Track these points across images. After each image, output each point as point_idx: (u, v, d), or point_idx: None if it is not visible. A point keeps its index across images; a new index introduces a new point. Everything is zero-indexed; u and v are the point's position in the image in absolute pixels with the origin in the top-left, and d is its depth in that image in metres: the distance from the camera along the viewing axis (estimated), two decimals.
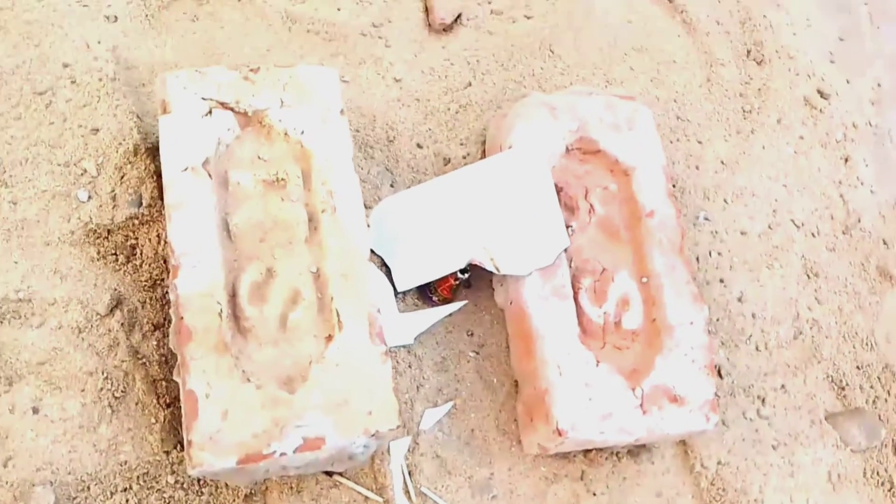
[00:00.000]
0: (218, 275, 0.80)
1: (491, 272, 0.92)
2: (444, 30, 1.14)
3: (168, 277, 0.87)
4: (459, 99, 1.10)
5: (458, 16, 1.15)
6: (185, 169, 0.83)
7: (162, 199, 0.94)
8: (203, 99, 0.87)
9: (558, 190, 0.96)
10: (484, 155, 1.07)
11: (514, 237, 0.92)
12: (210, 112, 0.87)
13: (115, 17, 1.04)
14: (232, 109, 0.88)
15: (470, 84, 1.12)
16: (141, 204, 0.94)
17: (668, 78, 1.21)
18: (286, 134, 0.89)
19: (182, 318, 0.78)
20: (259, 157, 0.89)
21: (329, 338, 0.82)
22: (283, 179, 0.87)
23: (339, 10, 1.12)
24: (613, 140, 0.99)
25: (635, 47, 1.22)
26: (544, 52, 1.17)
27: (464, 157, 1.07)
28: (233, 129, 0.88)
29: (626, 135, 0.99)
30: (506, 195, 0.94)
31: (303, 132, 0.89)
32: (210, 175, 0.84)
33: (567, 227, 0.94)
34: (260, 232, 0.85)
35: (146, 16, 1.06)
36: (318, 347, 0.82)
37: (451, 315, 0.97)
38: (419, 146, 1.06)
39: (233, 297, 0.82)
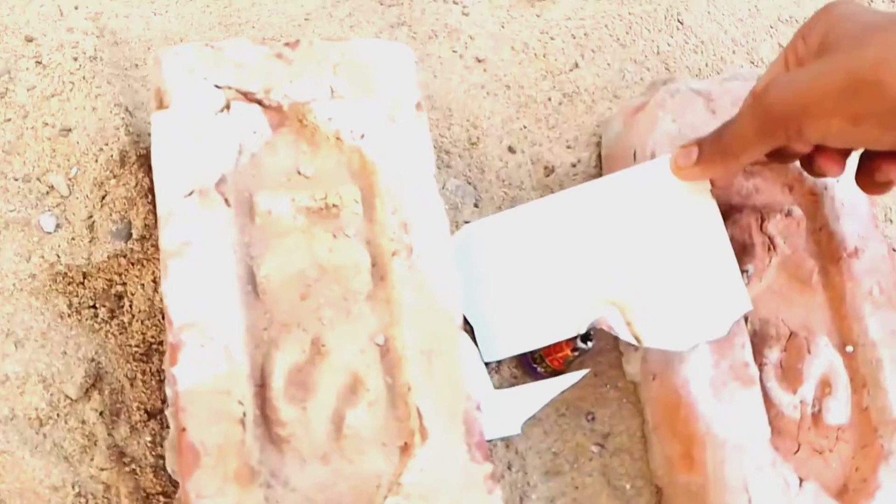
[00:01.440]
0: (240, 357, 0.52)
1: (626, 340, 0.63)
2: None
3: (165, 357, 0.59)
4: (563, 85, 0.81)
5: None
6: (190, 193, 0.55)
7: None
8: (217, 87, 0.59)
9: (723, 216, 0.68)
10: (601, 162, 0.78)
11: (666, 292, 0.62)
12: (227, 106, 0.59)
13: None
14: (259, 102, 0.60)
15: (577, 65, 0.83)
16: (130, 235, 0.66)
17: None
18: (338, 138, 0.61)
19: (184, 429, 0.50)
20: (299, 173, 0.61)
21: (406, 449, 0.55)
22: (334, 206, 0.59)
23: None
24: None
25: (782, 18, 0.92)
26: (671, 23, 0.87)
27: (573, 166, 0.78)
28: (261, 132, 0.60)
29: None
30: (651, 227, 0.64)
31: (363, 136, 0.61)
32: (227, 201, 0.56)
33: (743, 271, 0.66)
34: (301, 285, 0.57)
35: None
36: (391, 465, 0.54)
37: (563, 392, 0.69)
38: (511, 150, 0.78)
39: (261, 387, 0.54)
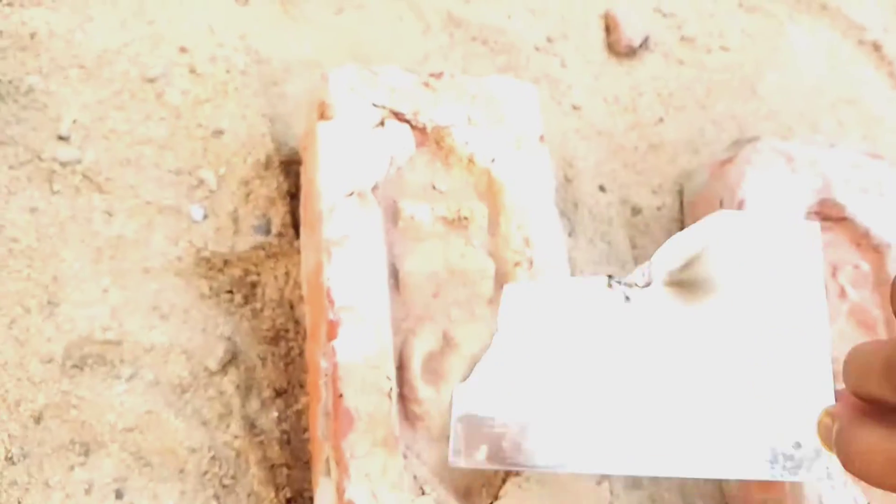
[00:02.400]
0: (386, 338, 0.59)
1: None
2: (627, 53, 0.94)
3: (303, 336, 0.66)
4: (650, 136, 0.90)
5: (646, 39, 0.95)
6: (351, 193, 0.63)
7: (294, 227, 0.74)
8: (374, 105, 0.67)
9: None
10: (682, 208, 0.86)
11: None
12: (382, 122, 0.67)
13: (246, 0, 0.85)
14: (409, 122, 0.68)
15: (661, 120, 0.91)
16: (269, 231, 0.73)
17: (882, 137, 1.01)
18: (471, 160, 0.69)
19: (341, 395, 0.56)
20: (434, 188, 0.68)
21: None
22: (465, 218, 0.66)
23: (509, 17, 0.92)
24: (863, 206, 0.78)
25: (843, 98, 1.02)
26: (745, 91, 0.96)
27: (658, 209, 0.86)
28: (407, 148, 0.67)
29: (876, 201, 0.78)
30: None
31: (493, 160, 0.68)
32: (379, 204, 0.64)
33: None
34: (434, 285, 0.64)
35: (282, 2, 0.87)
36: None
37: None
38: (602, 189, 0.86)
39: (399, 369, 0.61)
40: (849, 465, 0.38)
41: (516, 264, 0.65)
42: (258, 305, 0.71)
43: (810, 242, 0.50)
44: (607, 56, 0.95)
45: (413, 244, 0.65)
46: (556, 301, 0.53)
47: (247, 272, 0.72)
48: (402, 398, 0.60)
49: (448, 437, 0.56)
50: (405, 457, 0.58)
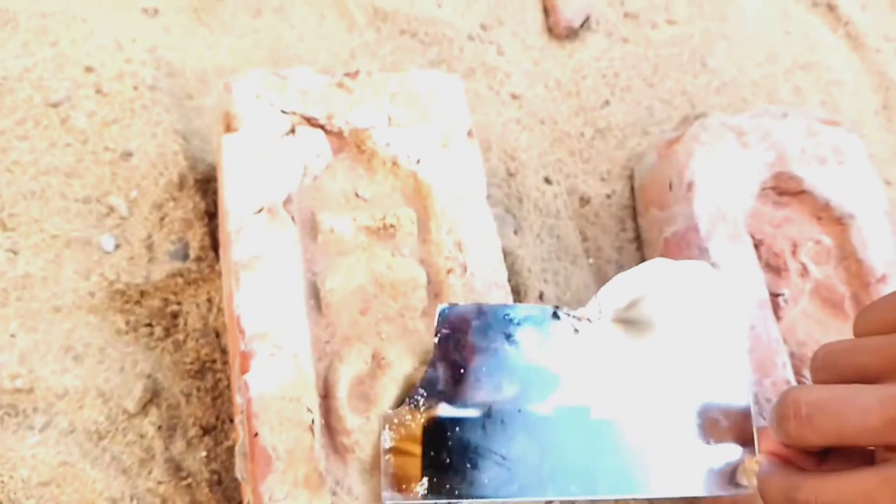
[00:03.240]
0: (307, 367, 0.54)
1: None
2: (568, 35, 0.90)
3: (230, 366, 0.61)
4: (595, 121, 0.85)
5: (587, 18, 0.90)
6: (260, 210, 0.58)
7: (214, 249, 0.69)
8: (283, 112, 0.62)
9: (756, 244, 0.71)
10: (633, 193, 0.81)
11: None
12: (293, 130, 0.62)
13: (156, 10, 0.80)
14: (322, 127, 0.63)
15: (607, 103, 0.87)
16: (187, 256, 0.68)
17: (842, 102, 0.96)
18: (395, 163, 0.64)
19: (257, 434, 0.51)
20: (357, 195, 0.64)
21: None
22: (391, 226, 0.62)
23: (439, 6, 0.87)
24: (821, 177, 0.73)
25: (799, 63, 0.97)
26: (695, 65, 0.92)
27: (607, 196, 0.81)
28: (323, 155, 0.62)
29: (835, 171, 0.74)
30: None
31: (419, 161, 0.64)
32: (293, 219, 0.59)
33: (777, 295, 0.68)
34: (361, 301, 0.59)
35: (194, 9, 0.82)
36: None
37: None
38: (548, 181, 0.81)
39: (325, 398, 0.56)
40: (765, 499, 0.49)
41: (449, 271, 0.60)
42: (180, 337, 0.66)
43: (731, 295, 0.56)
44: (547, 40, 0.90)
45: (335, 259, 0.60)
46: (497, 325, 0.54)
47: (166, 302, 0.67)
48: (330, 429, 0.55)
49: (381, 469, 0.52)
50: (334, 493, 0.53)
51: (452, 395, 0.52)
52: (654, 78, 0.89)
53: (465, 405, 0.52)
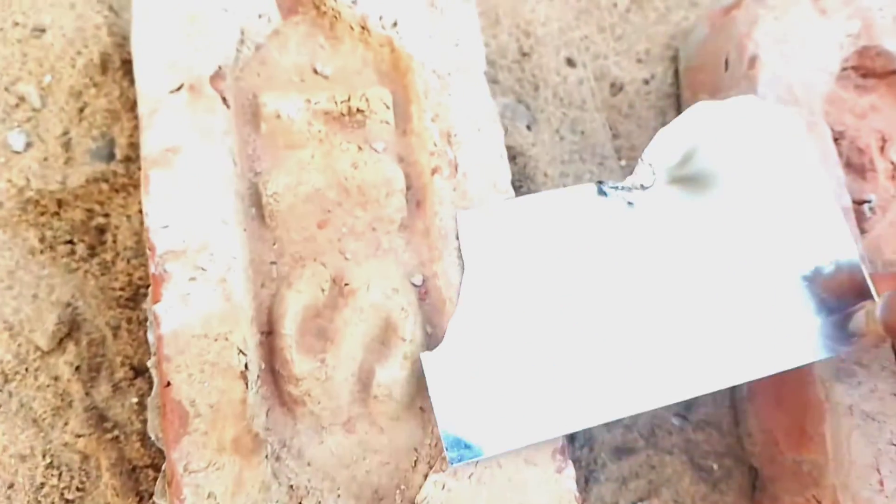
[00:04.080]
0: (241, 294, 0.41)
1: None
2: None
3: (148, 295, 0.48)
4: None
5: None
6: (179, 88, 0.44)
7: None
8: None
9: (836, 137, 0.55)
10: (677, 78, 0.65)
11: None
12: None
13: None
14: None
15: None
16: (112, 156, 0.55)
17: None
18: (364, 27, 0.49)
19: (169, 383, 0.39)
20: (316, 71, 0.49)
21: None
22: (359, 111, 0.47)
23: None
24: None
25: None
26: None
27: (645, 83, 0.65)
28: (268, 17, 0.48)
29: None
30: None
31: (395, 24, 0.48)
32: (225, 100, 0.44)
33: (862, 202, 0.53)
34: (318, 210, 0.45)
35: None
36: (431, 435, 0.43)
37: None
38: (570, 63, 0.65)
39: (269, 335, 0.43)
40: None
41: (434, 170, 0.46)
42: (108, 257, 0.53)
43: (795, 128, 0.48)
44: None
45: (283, 154, 0.46)
46: (536, 223, 0.44)
47: (90, 213, 0.54)
48: (274, 376, 0.42)
49: (343, 422, 0.40)
50: (278, 458, 0.40)
51: (499, 324, 0.42)
52: None
53: (516, 335, 0.42)
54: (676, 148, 0.46)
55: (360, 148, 0.46)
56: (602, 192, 0.45)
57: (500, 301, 0.42)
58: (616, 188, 0.45)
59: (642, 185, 0.45)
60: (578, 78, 0.64)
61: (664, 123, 0.63)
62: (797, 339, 0.44)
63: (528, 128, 0.62)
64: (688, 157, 0.46)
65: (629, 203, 0.45)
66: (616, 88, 0.65)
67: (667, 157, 0.45)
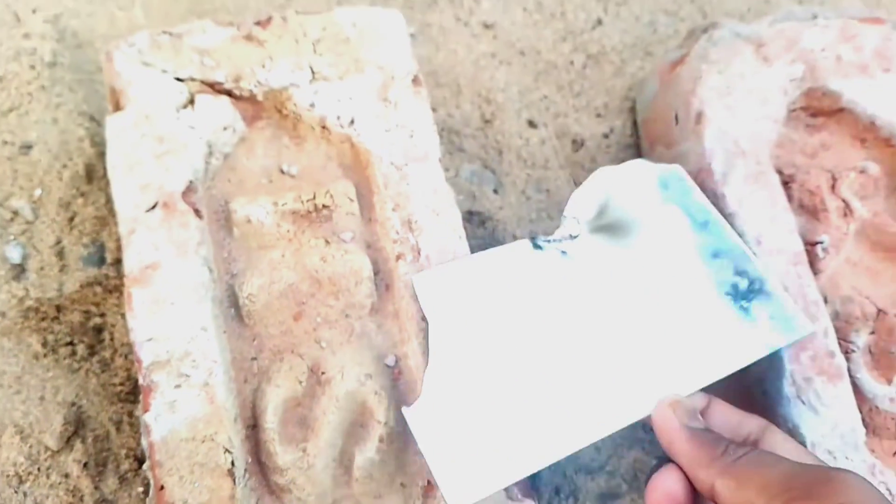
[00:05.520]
0: (223, 395, 0.44)
1: None
2: None
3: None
4: (586, 46, 0.71)
5: None
6: (154, 206, 0.47)
7: None
8: (178, 80, 0.51)
9: (786, 181, 0.57)
10: (636, 130, 0.68)
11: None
12: (191, 101, 0.50)
13: None
14: (229, 93, 0.51)
15: (600, 22, 0.72)
16: (103, 260, 0.58)
17: None
18: (325, 126, 0.52)
19: (162, 487, 0.42)
20: (283, 171, 0.52)
21: (430, 489, 0.46)
22: (325, 207, 0.50)
23: None
24: (862, 90, 0.59)
25: None
26: None
27: (605, 136, 0.68)
28: (233, 128, 0.51)
29: (880, 81, 0.59)
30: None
31: (352, 122, 0.52)
32: (198, 212, 0.48)
33: (815, 243, 0.55)
34: (293, 303, 0.48)
35: None
36: None
37: None
38: (532, 124, 0.68)
39: (253, 429, 0.46)
40: None
41: (399, 257, 0.49)
42: (107, 354, 0.57)
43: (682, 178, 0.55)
44: None
45: (256, 255, 0.49)
46: (482, 279, 0.48)
47: (87, 315, 0.58)
48: (261, 468, 0.45)
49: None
50: None
51: (471, 371, 0.45)
52: None
53: (487, 379, 0.45)
54: (591, 204, 0.51)
55: (327, 242, 0.49)
56: (537, 246, 0.49)
57: (465, 350, 0.45)
58: (549, 241, 0.50)
59: (571, 236, 0.50)
60: (540, 138, 0.67)
61: None
62: (733, 345, 0.48)
63: (495, 191, 0.65)
64: (602, 210, 0.51)
65: (563, 252, 0.49)
66: (577, 144, 0.68)
67: (585, 212, 0.50)
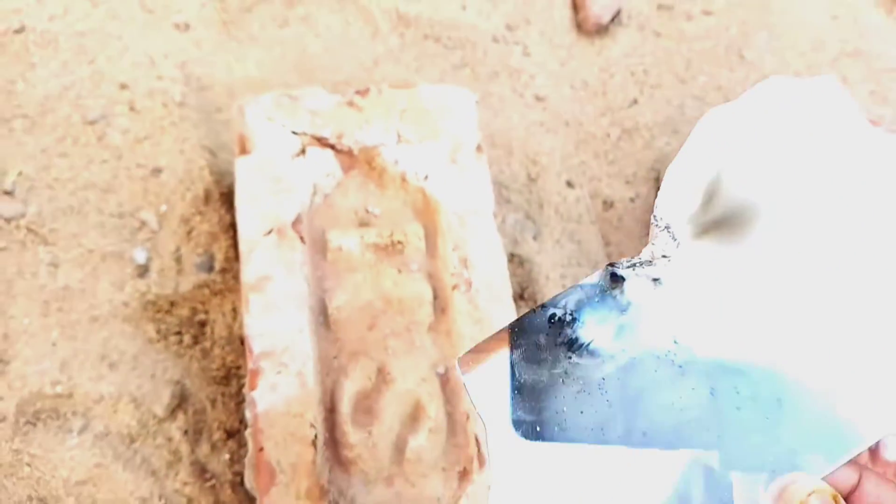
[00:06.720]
0: (312, 383, 0.57)
1: None
2: (598, 31, 0.88)
3: (245, 382, 0.64)
4: (622, 121, 0.84)
5: (617, 13, 0.88)
6: (270, 231, 0.60)
7: (238, 260, 0.72)
8: (294, 133, 0.64)
9: None
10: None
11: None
12: (303, 151, 0.64)
13: (187, 25, 0.83)
14: (332, 147, 0.65)
15: (636, 101, 0.85)
16: (212, 268, 0.72)
17: (891, 91, 0.92)
18: (404, 179, 0.65)
19: (262, 449, 0.54)
20: (368, 211, 0.65)
21: (465, 475, 0.58)
22: (399, 243, 0.63)
23: (464, 8, 0.87)
24: None
25: (847, 51, 0.93)
26: (731, 57, 0.89)
27: (631, 200, 0.80)
28: (333, 174, 0.64)
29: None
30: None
31: (426, 177, 0.65)
32: (302, 238, 0.61)
33: None
34: (368, 316, 0.61)
35: (224, 22, 0.84)
36: (450, 489, 0.57)
37: None
38: (570, 185, 0.81)
39: (331, 412, 0.58)
40: None
41: (454, 287, 0.62)
42: (207, 345, 0.70)
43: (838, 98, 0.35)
44: (575, 37, 0.89)
45: (343, 276, 0.62)
46: (549, 336, 0.34)
47: (194, 311, 0.71)
48: (335, 443, 0.58)
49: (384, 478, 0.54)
50: (337, 503, 0.56)
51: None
52: (687, 73, 0.87)
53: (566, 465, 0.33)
54: (692, 186, 0.34)
55: (399, 270, 0.62)
56: (617, 278, 0.34)
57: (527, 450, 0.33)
58: (633, 265, 0.34)
59: (664, 256, 0.34)
60: (576, 197, 0.80)
61: (648, 234, 0.78)
62: None
63: (534, 238, 0.77)
64: (710, 194, 0.34)
65: (654, 280, 0.34)
66: (607, 205, 0.80)
67: (685, 203, 0.34)
